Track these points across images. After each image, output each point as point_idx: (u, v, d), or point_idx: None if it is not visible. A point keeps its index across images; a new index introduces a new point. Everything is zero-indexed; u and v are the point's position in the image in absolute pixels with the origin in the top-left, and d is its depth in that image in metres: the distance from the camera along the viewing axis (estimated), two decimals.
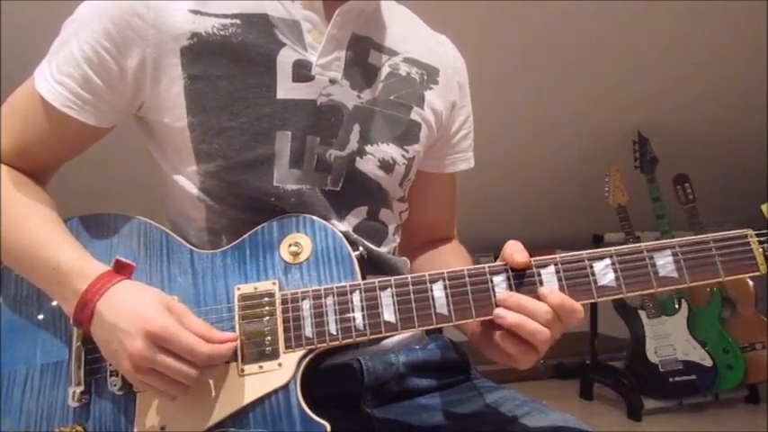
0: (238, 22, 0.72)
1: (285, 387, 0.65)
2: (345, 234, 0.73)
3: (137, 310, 0.62)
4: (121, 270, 0.66)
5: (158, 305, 0.63)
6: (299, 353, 0.66)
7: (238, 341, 0.66)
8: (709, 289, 2.72)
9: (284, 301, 0.68)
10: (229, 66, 0.71)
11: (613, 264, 0.66)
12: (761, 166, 3.27)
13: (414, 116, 0.82)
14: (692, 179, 2.80)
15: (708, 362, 2.60)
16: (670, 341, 2.63)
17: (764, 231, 0.65)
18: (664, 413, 2.65)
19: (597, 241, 3.00)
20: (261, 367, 0.66)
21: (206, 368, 0.63)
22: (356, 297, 0.67)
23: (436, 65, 0.86)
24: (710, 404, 2.71)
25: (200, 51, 0.71)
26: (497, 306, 0.65)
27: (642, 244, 0.66)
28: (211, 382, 0.66)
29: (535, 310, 0.63)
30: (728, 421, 2.57)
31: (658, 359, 2.61)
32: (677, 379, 2.58)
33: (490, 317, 0.65)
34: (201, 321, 0.65)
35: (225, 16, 0.72)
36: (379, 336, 0.67)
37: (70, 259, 0.66)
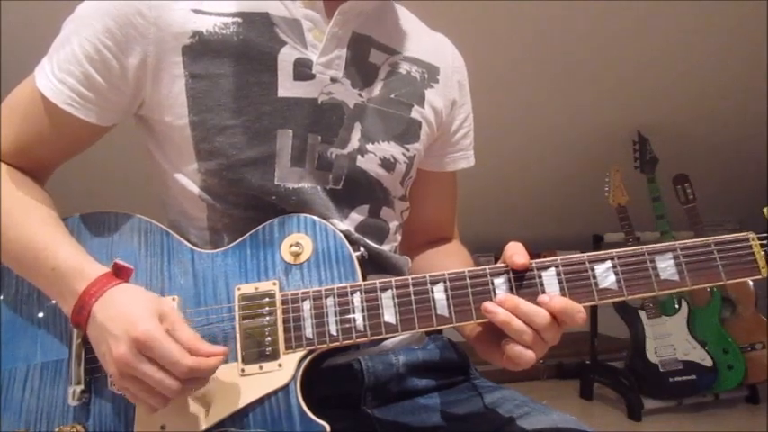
0: (239, 20, 0.72)
1: (285, 387, 0.65)
2: (346, 233, 0.73)
3: (126, 314, 0.61)
4: (120, 273, 0.66)
5: (149, 311, 0.61)
6: (299, 353, 0.66)
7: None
8: (709, 289, 2.72)
9: (284, 302, 0.68)
10: (230, 64, 0.71)
11: (614, 266, 0.65)
12: (761, 166, 3.27)
13: (414, 114, 0.82)
14: (692, 179, 2.79)
15: (708, 362, 2.59)
16: (670, 341, 2.63)
17: (766, 235, 0.65)
18: (664, 413, 2.64)
19: (597, 241, 3.00)
20: (261, 368, 0.66)
21: (188, 381, 0.61)
22: (356, 298, 0.67)
23: (436, 63, 0.86)
24: (710, 404, 2.71)
25: (201, 50, 0.71)
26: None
27: (643, 247, 0.66)
28: (212, 381, 0.65)
29: (532, 314, 0.63)
30: (728, 421, 2.57)
31: (658, 359, 2.61)
32: (677, 379, 2.58)
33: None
34: (192, 333, 0.62)
35: (226, 15, 0.72)
36: (380, 337, 0.67)
37: (69, 259, 0.66)
